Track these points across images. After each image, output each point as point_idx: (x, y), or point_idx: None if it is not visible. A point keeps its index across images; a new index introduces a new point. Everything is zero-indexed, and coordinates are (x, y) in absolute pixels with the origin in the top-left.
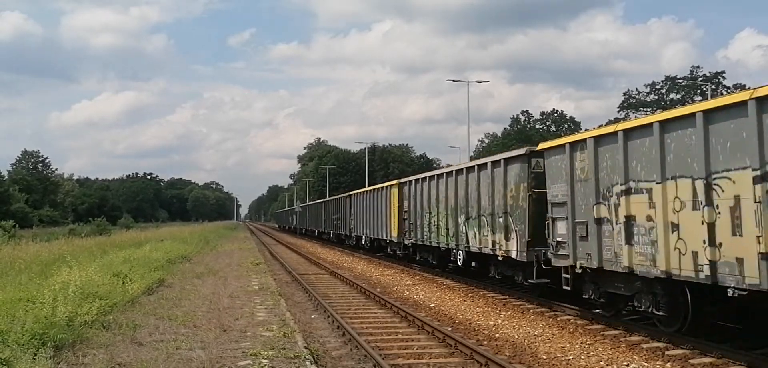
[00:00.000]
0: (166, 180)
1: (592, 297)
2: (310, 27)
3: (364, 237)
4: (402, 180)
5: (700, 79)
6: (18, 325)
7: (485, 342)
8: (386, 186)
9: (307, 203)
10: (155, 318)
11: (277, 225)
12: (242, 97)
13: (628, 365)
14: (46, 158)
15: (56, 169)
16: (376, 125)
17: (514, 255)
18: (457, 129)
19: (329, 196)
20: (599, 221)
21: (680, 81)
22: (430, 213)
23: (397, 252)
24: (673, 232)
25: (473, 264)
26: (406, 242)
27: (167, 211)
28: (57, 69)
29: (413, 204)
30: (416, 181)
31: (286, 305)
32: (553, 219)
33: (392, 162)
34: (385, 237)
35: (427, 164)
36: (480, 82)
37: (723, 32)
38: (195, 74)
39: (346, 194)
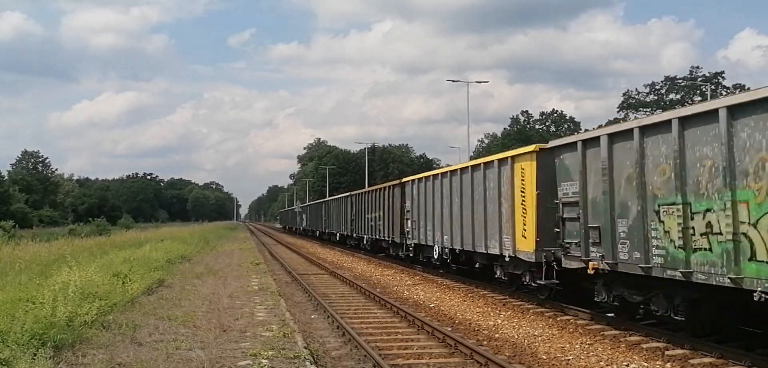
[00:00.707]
0: (166, 180)
1: None
2: (310, 27)
3: (436, 247)
4: (546, 144)
5: (699, 79)
6: (18, 325)
7: (485, 342)
8: (500, 160)
9: (324, 199)
10: (155, 318)
11: (281, 226)
12: (242, 97)
13: (628, 365)
14: (46, 158)
15: (56, 169)
16: (376, 125)
17: None
18: (457, 129)
19: (329, 196)
20: None
21: (680, 81)
22: (686, 207)
23: (528, 281)
24: None
25: None
26: (569, 263)
27: (167, 212)
28: (57, 69)
29: (603, 188)
30: (612, 136)
31: (286, 305)
32: None
33: (392, 162)
34: (490, 250)
35: (427, 164)
36: (480, 82)
37: (723, 32)
38: (195, 74)
39: (399, 181)
